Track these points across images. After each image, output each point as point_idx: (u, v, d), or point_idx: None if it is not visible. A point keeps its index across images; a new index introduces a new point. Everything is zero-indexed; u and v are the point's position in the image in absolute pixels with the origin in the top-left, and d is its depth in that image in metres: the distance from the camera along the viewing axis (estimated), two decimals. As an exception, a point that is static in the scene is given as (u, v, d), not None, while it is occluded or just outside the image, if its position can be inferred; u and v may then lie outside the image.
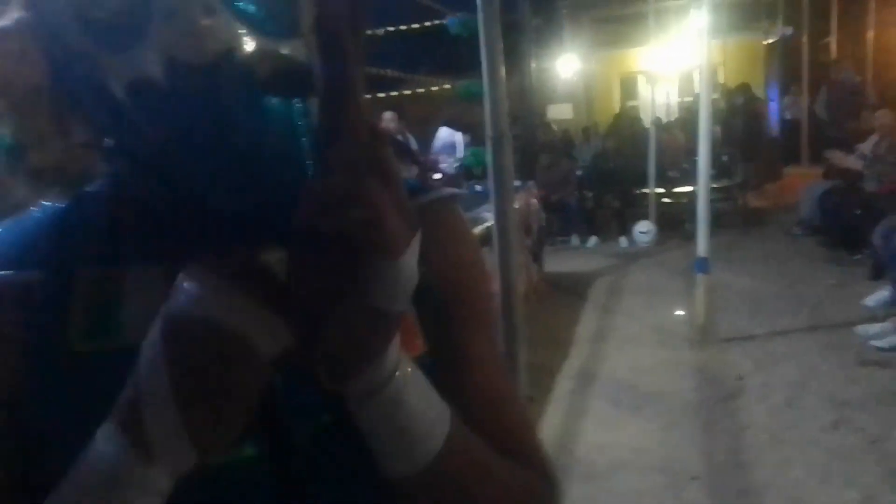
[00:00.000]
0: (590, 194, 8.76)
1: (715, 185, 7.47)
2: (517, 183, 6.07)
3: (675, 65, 9.61)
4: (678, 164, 8.36)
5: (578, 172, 8.87)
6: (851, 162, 6.53)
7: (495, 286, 3.01)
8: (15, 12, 0.50)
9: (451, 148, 8.88)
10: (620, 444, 3.30)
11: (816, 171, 8.15)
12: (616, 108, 12.50)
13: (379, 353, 0.43)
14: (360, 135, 0.40)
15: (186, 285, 0.40)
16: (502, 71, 2.42)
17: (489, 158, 2.57)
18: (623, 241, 8.10)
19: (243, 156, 0.42)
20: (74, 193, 0.54)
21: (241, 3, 0.42)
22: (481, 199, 4.75)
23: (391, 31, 4.13)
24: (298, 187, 0.39)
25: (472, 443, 0.51)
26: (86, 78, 0.43)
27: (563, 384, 4.07)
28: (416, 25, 3.93)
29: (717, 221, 6.37)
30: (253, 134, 0.42)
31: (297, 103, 0.44)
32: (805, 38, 10.32)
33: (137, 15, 0.40)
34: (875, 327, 4.24)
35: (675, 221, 8.00)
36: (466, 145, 8.74)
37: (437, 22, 3.57)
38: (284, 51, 0.43)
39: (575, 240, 8.30)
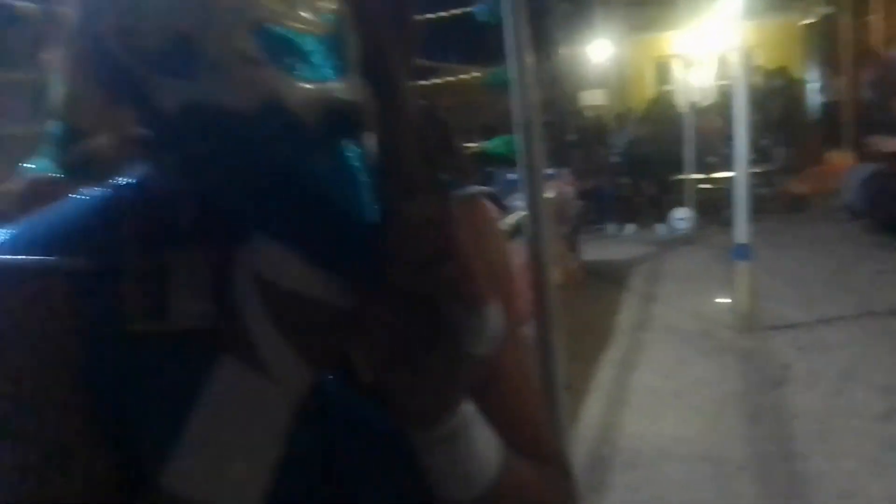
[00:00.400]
0: (625, 181, 8.63)
1: (754, 170, 7.32)
2: (551, 171, 6.02)
3: (711, 47, 9.40)
4: (716, 149, 8.18)
5: (613, 159, 8.74)
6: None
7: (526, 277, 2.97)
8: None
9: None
10: (663, 434, 3.23)
11: (859, 154, 7.91)
12: (650, 92, 12.28)
13: (460, 398, 0.47)
14: (420, 180, 0.44)
15: (268, 257, 0.43)
16: (529, 57, 2.36)
17: (518, 146, 2.52)
18: (660, 229, 7.97)
19: (288, 198, 0.43)
20: (117, 183, 0.54)
21: (286, 53, 0.41)
22: (514, 187, 4.70)
23: (419, 21, 4.09)
24: (356, 224, 0.42)
25: (517, 463, 0.54)
26: (133, 83, 0.43)
27: (604, 373, 4.01)
28: (443, 14, 3.87)
29: (758, 207, 6.22)
30: (297, 175, 0.42)
31: (350, 144, 0.43)
32: (846, 18, 10.00)
33: (183, 54, 0.41)
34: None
35: (714, 207, 7.84)
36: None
37: (464, 10, 3.51)
38: (334, 93, 0.42)
39: (611, 227, 8.20)
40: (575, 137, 9.51)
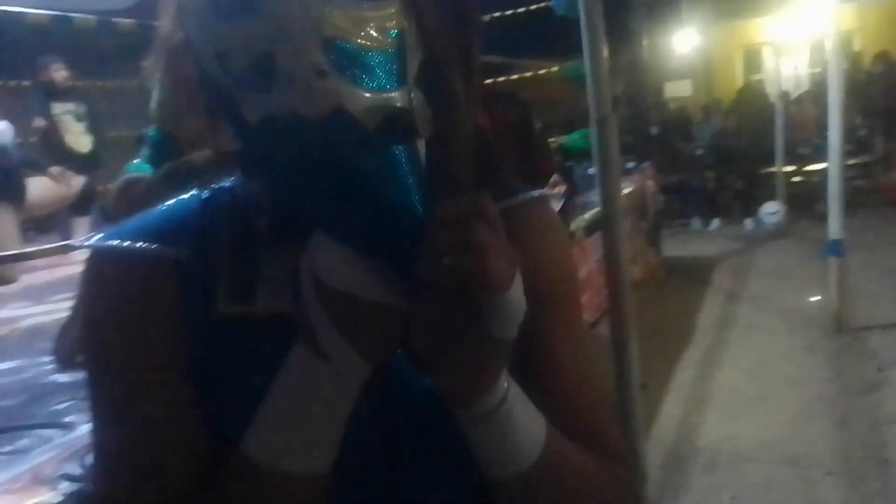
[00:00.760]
0: (711, 174, 8.35)
1: (851, 162, 6.94)
2: (632, 165, 5.90)
3: (805, 33, 8.95)
4: (809, 140, 7.81)
5: (698, 152, 8.48)
6: None
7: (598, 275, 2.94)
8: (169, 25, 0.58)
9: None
10: (746, 436, 3.14)
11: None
12: (739, 82, 11.81)
13: (496, 381, 0.50)
14: (466, 181, 0.49)
15: (327, 257, 0.48)
16: (604, 50, 2.33)
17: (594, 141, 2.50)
18: (748, 224, 7.69)
19: (350, 196, 0.48)
20: (213, 187, 0.62)
21: (348, 65, 0.46)
22: (590, 183, 4.63)
23: (497, 17, 4.09)
24: (407, 225, 0.47)
25: (564, 445, 0.57)
26: (226, 99, 0.49)
27: (684, 373, 3.92)
28: (521, 9, 3.87)
29: (854, 201, 5.91)
30: (360, 178, 0.47)
31: (406, 149, 0.49)
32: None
33: (263, 72, 0.46)
34: None
35: (807, 201, 7.49)
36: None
37: (542, 4, 3.50)
38: (392, 101, 0.47)
39: (696, 222, 7.96)
40: (658, 130, 9.27)
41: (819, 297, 4.70)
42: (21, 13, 3.63)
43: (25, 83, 5.44)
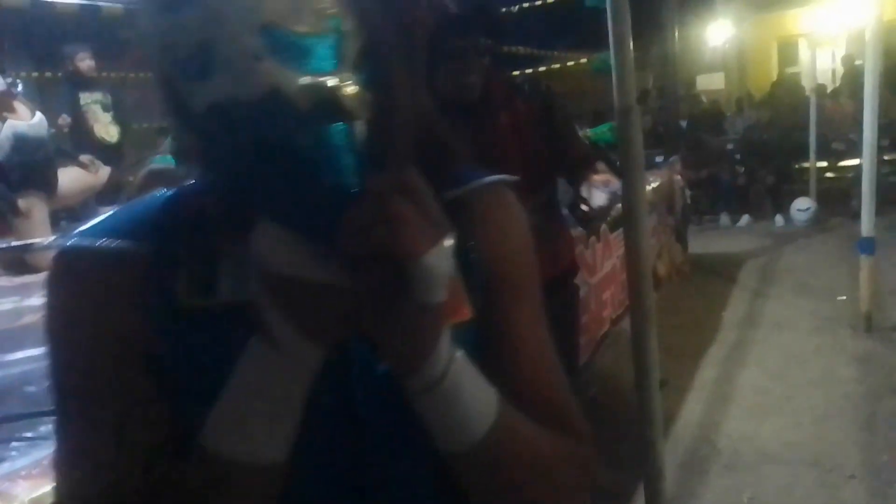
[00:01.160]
0: (741, 169, 8.21)
1: (887, 157, 6.78)
2: (659, 158, 5.82)
3: (841, 25, 8.73)
4: (844, 135, 7.63)
5: (729, 146, 8.34)
6: None
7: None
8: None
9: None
10: (769, 436, 3.10)
11: None
12: (773, 75, 11.58)
13: (432, 347, 0.51)
14: (402, 162, 0.49)
15: (273, 243, 0.49)
16: (629, 41, 2.30)
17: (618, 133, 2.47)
18: (778, 220, 7.55)
19: (289, 179, 0.49)
20: (180, 184, 0.64)
21: (284, 50, 0.48)
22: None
23: (526, 8, 4.07)
24: (344, 204, 0.48)
25: (517, 420, 0.58)
26: (175, 93, 0.51)
27: (707, 370, 3.88)
28: (550, 0, 3.84)
29: (888, 198, 5.77)
30: (298, 160, 0.49)
31: (343, 130, 0.50)
32: None
33: (203, 59, 0.48)
34: None
35: (839, 198, 7.34)
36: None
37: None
38: (329, 84, 0.48)
39: (725, 218, 7.84)
40: (688, 123, 9.13)
41: (847, 297, 4.61)
42: (50, 2, 3.68)
43: (56, 74, 5.52)
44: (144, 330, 0.57)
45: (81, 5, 3.72)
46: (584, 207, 2.44)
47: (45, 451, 1.32)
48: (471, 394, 0.54)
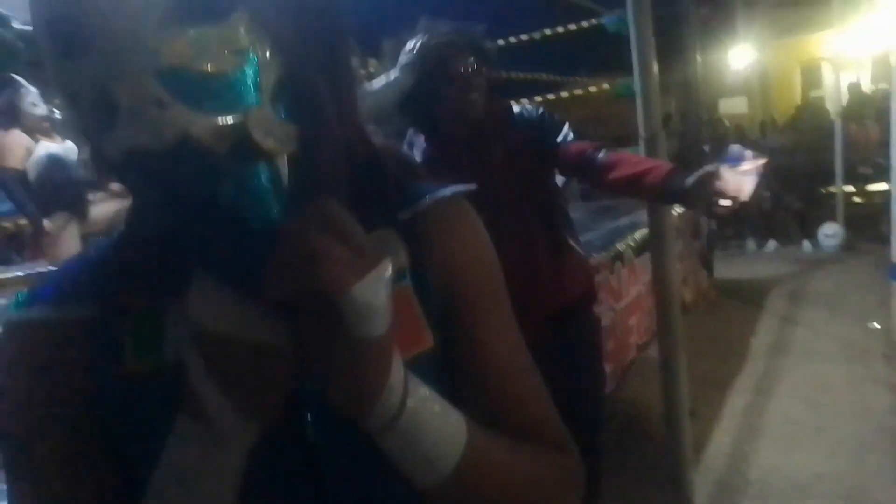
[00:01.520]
0: (767, 194, 8.12)
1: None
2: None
3: (867, 48, 8.67)
4: (870, 159, 7.53)
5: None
6: None
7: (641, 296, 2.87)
8: None
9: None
10: (800, 468, 3.01)
11: None
12: (797, 99, 11.51)
13: (380, 384, 0.47)
14: (325, 192, 0.46)
15: (204, 301, 0.46)
16: (654, 68, 2.29)
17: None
18: (806, 246, 7.45)
19: (213, 221, 0.48)
20: (113, 235, 0.62)
21: (191, 92, 0.45)
22: (641, 202, 4.55)
23: (547, 35, 4.08)
24: (266, 245, 0.46)
25: (490, 445, 0.55)
26: (91, 142, 0.50)
27: (736, 399, 3.80)
28: (572, 27, 3.85)
29: (919, 222, 5.66)
30: (220, 206, 0.47)
31: (263, 167, 0.48)
32: None
33: (108, 109, 0.45)
34: None
35: (867, 223, 7.22)
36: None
37: (593, 21, 3.47)
38: (244, 123, 0.46)
39: (751, 244, 7.75)
40: (711, 147, 9.08)
41: (879, 325, 4.51)
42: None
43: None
44: (92, 396, 0.55)
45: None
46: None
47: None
48: (435, 427, 0.51)
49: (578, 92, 4.31)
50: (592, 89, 3.98)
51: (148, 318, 0.55)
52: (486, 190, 0.71)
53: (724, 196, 1.81)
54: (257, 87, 0.48)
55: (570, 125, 1.98)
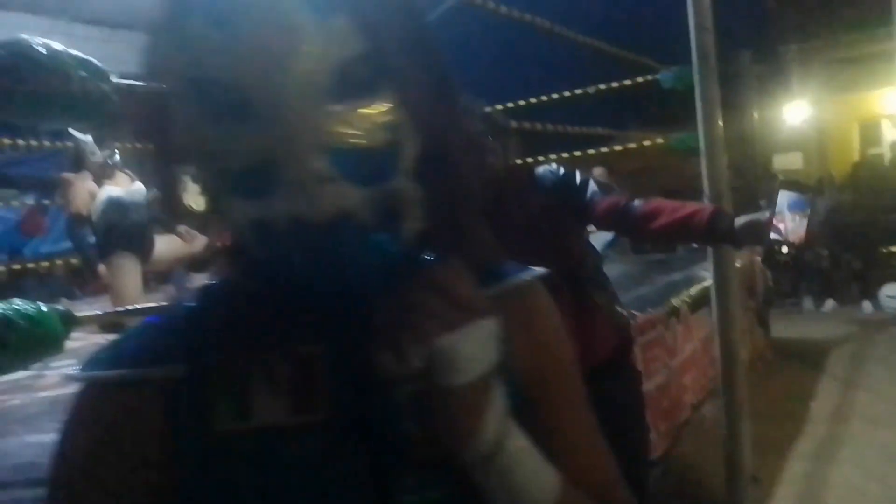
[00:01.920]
0: (825, 252, 7.91)
1: None
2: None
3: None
4: (935, 219, 7.30)
5: (811, 228, 8.06)
6: None
7: (714, 353, 2.79)
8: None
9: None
10: (867, 543, 2.85)
11: None
12: (854, 156, 11.26)
13: (471, 425, 0.50)
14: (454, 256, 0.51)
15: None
16: (720, 129, 2.28)
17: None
18: (866, 307, 7.20)
19: (348, 293, 0.49)
20: (203, 290, 0.60)
21: (350, 167, 0.47)
22: (697, 256, 4.48)
23: (602, 90, 4.11)
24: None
25: (579, 499, 0.56)
26: (215, 200, 0.52)
27: (796, 465, 3.63)
28: (627, 82, 3.87)
29: None
30: (356, 269, 0.49)
31: (399, 235, 0.51)
32: None
33: (264, 177, 0.46)
34: None
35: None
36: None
37: (649, 77, 3.49)
38: (391, 194, 0.49)
39: (808, 303, 7.52)
40: (766, 203, 8.93)
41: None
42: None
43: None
44: (174, 462, 0.52)
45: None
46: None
47: None
48: (531, 470, 0.53)
49: (632, 146, 4.30)
50: (647, 143, 3.96)
51: (238, 377, 0.54)
52: (507, 253, 0.71)
53: (779, 238, 1.81)
54: (402, 160, 0.50)
55: (620, 178, 1.96)
